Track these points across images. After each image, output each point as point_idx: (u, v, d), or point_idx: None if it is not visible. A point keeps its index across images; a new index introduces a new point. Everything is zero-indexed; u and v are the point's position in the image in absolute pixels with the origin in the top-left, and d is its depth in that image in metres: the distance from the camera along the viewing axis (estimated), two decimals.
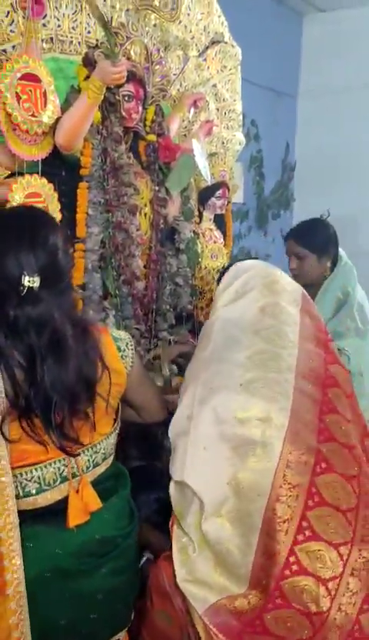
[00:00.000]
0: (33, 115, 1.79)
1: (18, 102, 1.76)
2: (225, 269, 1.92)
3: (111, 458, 1.56)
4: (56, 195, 1.91)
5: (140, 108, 2.11)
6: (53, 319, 1.35)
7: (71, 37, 2.08)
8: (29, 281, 1.32)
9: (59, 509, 1.42)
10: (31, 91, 1.79)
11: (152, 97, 2.19)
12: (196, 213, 2.55)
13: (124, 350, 1.56)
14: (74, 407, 1.39)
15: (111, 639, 1.51)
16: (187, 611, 1.46)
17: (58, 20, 2.03)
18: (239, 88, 2.78)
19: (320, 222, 2.66)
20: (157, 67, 2.16)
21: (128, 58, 2.00)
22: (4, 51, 1.92)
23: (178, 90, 2.49)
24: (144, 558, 1.67)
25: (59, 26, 2.04)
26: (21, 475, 1.38)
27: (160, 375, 2.05)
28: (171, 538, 1.54)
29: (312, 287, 2.50)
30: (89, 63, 1.98)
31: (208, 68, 2.60)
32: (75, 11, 2.06)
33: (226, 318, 1.75)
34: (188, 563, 1.48)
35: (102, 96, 1.88)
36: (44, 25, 1.97)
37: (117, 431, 1.57)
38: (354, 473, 1.55)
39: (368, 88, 4.67)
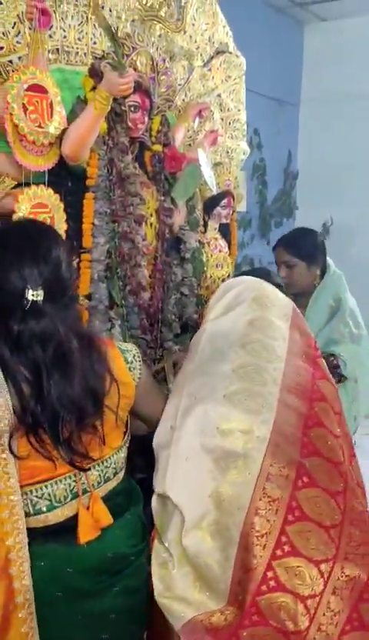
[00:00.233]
0: (39, 126, 1.79)
1: (25, 113, 1.76)
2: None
3: (122, 472, 1.55)
4: (62, 206, 1.90)
5: (146, 119, 2.11)
6: (58, 333, 1.34)
7: (77, 48, 2.08)
8: (33, 295, 1.31)
9: (70, 526, 1.40)
10: (37, 102, 1.79)
11: (158, 107, 2.19)
12: (201, 222, 2.55)
13: (132, 362, 1.55)
14: (81, 421, 1.37)
15: None
16: None
17: (64, 31, 2.04)
18: (243, 97, 2.79)
19: (308, 231, 2.72)
20: (163, 77, 2.16)
21: (134, 69, 2.00)
22: (11, 61, 1.92)
23: (183, 100, 2.49)
24: None
25: (65, 37, 2.04)
26: (31, 492, 1.37)
27: (166, 386, 2.04)
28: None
29: (303, 296, 2.53)
30: (95, 74, 1.98)
31: (213, 78, 2.60)
32: (81, 22, 2.07)
33: (214, 330, 1.76)
34: (167, 579, 1.45)
35: (109, 107, 1.88)
36: (50, 36, 1.97)
37: (127, 445, 1.56)
38: (340, 489, 1.53)
39: None
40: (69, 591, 1.37)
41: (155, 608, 1.50)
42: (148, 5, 2.18)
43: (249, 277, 1.98)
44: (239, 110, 2.78)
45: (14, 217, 1.77)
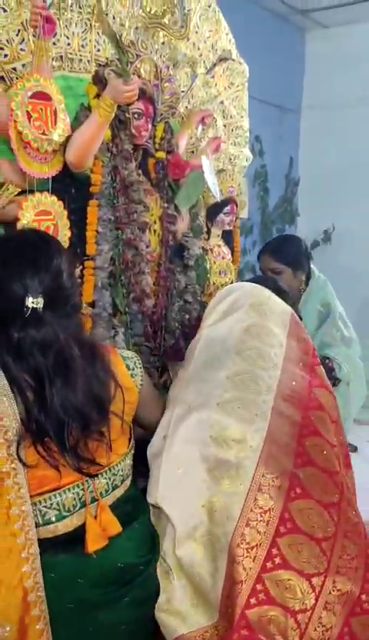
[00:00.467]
0: (43, 133, 1.78)
1: (29, 120, 1.75)
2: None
3: (129, 480, 1.54)
4: (66, 213, 1.90)
5: (149, 126, 2.11)
6: (58, 341, 1.34)
7: (81, 55, 2.08)
8: (33, 303, 1.32)
9: (79, 536, 1.40)
10: (41, 109, 1.78)
11: (161, 114, 2.19)
12: (204, 229, 2.54)
13: (134, 368, 1.56)
14: (87, 428, 1.37)
15: None
16: None
17: (68, 38, 2.04)
18: (246, 104, 2.79)
19: (292, 237, 2.79)
20: (167, 84, 2.16)
21: (138, 76, 2.01)
22: (15, 69, 1.92)
23: (186, 107, 2.50)
24: None
25: (69, 44, 2.04)
26: (40, 502, 1.36)
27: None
28: None
29: (290, 302, 2.53)
30: (99, 81, 1.98)
31: (216, 85, 2.61)
32: (85, 29, 2.07)
33: (210, 337, 1.75)
34: (169, 589, 1.44)
35: (113, 114, 1.88)
36: (54, 44, 1.97)
37: (132, 452, 1.55)
38: (334, 500, 1.50)
39: None
40: (80, 603, 1.36)
41: None
42: (152, 12, 2.18)
43: (247, 283, 1.96)
44: (242, 117, 2.78)
45: (19, 224, 1.77)
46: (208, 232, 2.60)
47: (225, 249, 2.67)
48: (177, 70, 2.37)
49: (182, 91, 2.43)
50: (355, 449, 3.76)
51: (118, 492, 1.49)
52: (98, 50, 2.11)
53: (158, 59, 2.14)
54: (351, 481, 1.64)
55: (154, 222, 2.18)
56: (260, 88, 3.15)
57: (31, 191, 1.82)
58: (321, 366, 1.80)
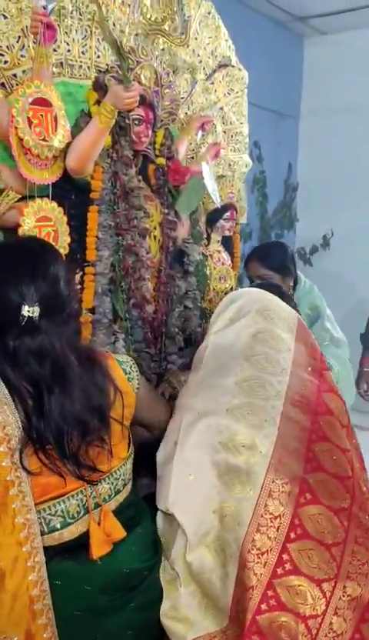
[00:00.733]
0: (44, 140, 1.78)
1: (30, 127, 1.75)
2: None
3: (130, 484, 1.54)
4: (65, 219, 1.90)
5: (149, 132, 2.11)
6: (53, 350, 1.34)
7: (81, 61, 2.08)
8: (29, 311, 1.32)
9: (84, 542, 1.39)
10: (42, 115, 1.78)
11: (161, 120, 2.19)
12: (204, 235, 2.54)
13: (130, 372, 1.57)
14: (86, 435, 1.37)
15: None
16: None
17: (68, 45, 2.04)
18: (245, 110, 2.80)
19: (278, 244, 2.87)
20: (167, 91, 2.16)
21: (139, 82, 2.01)
22: (15, 75, 1.92)
23: (186, 113, 2.50)
24: None
25: (69, 51, 2.05)
26: (44, 510, 1.35)
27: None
28: None
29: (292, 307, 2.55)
30: (99, 87, 1.98)
31: (216, 91, 2.61)
32: (85, 36, 2.07)
33: (217, 343, 1.74)
34: (174, 596, 1.43)
35: (114, 121, 1.88)
36: (54, 50, 1.97)
37: (132, 456, 1.55)
38: (345, 505, 1.49)
39: (368, 108, 4.71)
40: (87, 609, 1.36)
41: None
42: (152, 19, 2.19)
43: (253, 289, 1.96)
44: (241, 123, 2.79)
45: (20, 230, 1.76)
46: (208, 238, 2.60)
47: (225, 255, 2.67)
48: (177, 76, 2.38)
49: (182, 98, 2.44)
50: None
51: (121, 497, 1.49)
52: (98, 56, 2.11)
53: (158, 66, 2.14)
54: (366, 484, 1.62)
55: (155, 228, 2.18)
56: (259, 94, 3.16)
57: (32, 198, 1.82)
58: (330, 371, 1.79)
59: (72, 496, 1.39)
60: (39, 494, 1.33)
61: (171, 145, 2.28)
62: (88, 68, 2.10)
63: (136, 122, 2.05)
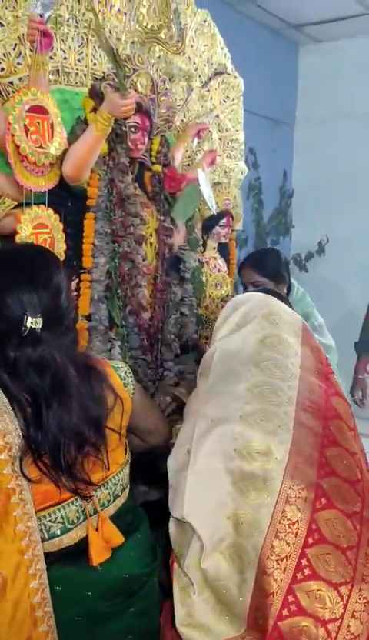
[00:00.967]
0: (40, 147, 1.79)
1: (26, 134, 1.76)
2: None
3: (128, 489, 1.54)
4: (61, 226, 1.90)
5: (146, 139, 2.11)
6: (54, 361, 1.33)
7: (77, 69, 2.09)
8: (32, 323, 1.30)
9: (84, 548, 1.39)
10: (38, 123, 1.79)
11: (158, 128, 2.19)
12: (200, 242, 2.55)
13: (125, 378, 1.56)
14: (82, 448, 1.36)
15: None
16: None
17: (65, 52, 2.05)
18: (241, 118, 2.81)
19: (272, 251, 2.85)
20: (163, 98, 2.16)
21: (135, 90, 2.01)
22: (11, 83, 1.93)
23: (182, 120, 2.51)
24: None
25: (65, 58, 2.05)
26: (45, 517, 1.34)
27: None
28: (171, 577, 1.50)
29: None
30: (96, 95, 1.99)
31: (211, 98, 2.62)
32: (81, 43, 2.08)
33: (225, 349, 1.73)
34: (189, 603, 1.42)
35: (110, 128, 1.88)
36: (50, 58, 1.98)
37: (130, 461, 1.55)
38: (356, 509, 1.50)
39: (363, 116, 4.74)
40: (88, 615, 1.35)
41: (166, 628, 1.49)
42: (148, 27, 2.20)
43: (256, 293, 1.95)
44: (237, 130, 2.80)
45: (17, 238, 1.76)
46: (204, 245, 2.61)
47: (221, 262, 2.68)
48: (174, 84, 2.39)
49: (178, 105, 2.45)
50: None
51: (119, 502, 1.49)
52: (95, 64, 2.12)
53: (155, 73, 2.15)
54: None
55: (151, 235, 2.18)
56: (254, 101, 3.17)
57: (28, 205, 1.82)
58: (334, 374, 1.80)
59: (72, 502, 1.38)
60: (40, 501, 1.33)
61: (167, 152, 2.28)
62: (85, 75, 2.11)
63: (132, 130, 2.05)
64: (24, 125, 1.75)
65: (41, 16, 1.73)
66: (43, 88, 1.81)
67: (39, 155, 1.78)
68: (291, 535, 1.41)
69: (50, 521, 1.35)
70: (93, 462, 1.40)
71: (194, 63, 2.50)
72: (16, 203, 1.88)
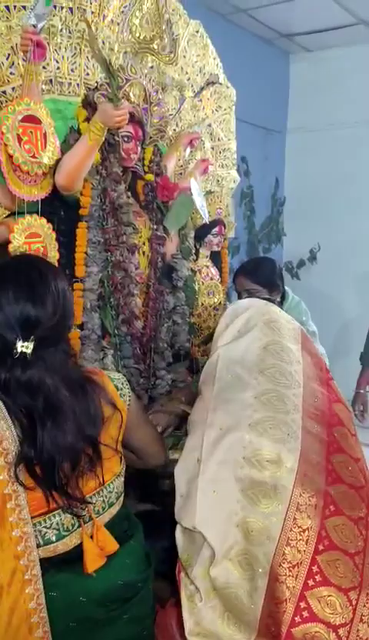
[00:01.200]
0: (33, 156, 1.79)
1: (19, 144, 1.76)
2: None
3: (122, 497, 1.54)
4: (54, 235, 1.90)
5: (138, 149, 2.12)
6: (44, 384, 1.31)
7: (70, 79, 2.10)
8: (23, 346, 1.29)
9: (79, 554, 1.38)
10: (31, 132, 1.79)
11: (150, 137, 2.20)
12: (193, 250, 2.55)
13: (122, 388, 1.55)
14: (77, 464, 1.36)
15: None
16: None
17: (58, 62, 2.06)
18: (233, 127, 2.82)
19: (266, 259, 2.89)
20: (156, 108, 2.17)
21: (128, 100, 2.02)
22: (4, 92, 1.93)
23: (174, 130, 2.52)
24: None
25: (58, 68, 2.06)
26: (40, 523, 1.34)
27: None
28: (177, 587, 1.50)
29: None
30: (89, 105, 1.99)
31: (204, 108, 2.64)
32: (74, 53, 2.09)
33: (228, 357, 1.73)
34: (195, 612, 1.44)
35: (103, 138, 1.89)
36: (43, 67, 1.99)
37: (124, 468, 1.55)
38: (362, 515, 1.52)
39: (354, 124, 4.78)
40: (83, 621, 1.35)
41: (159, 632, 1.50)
42: (141, 37, 2.21)
43: (256, 299, 1.95)
44: (229, 139, 2.82)
45: (10, 247, 1.76)
46: (197, 253, 2.61)
47: (213, 270, 2.68)
48: (166, 94, 2.40)
49: (171, 115, 2.46)
50: None
51: (114, 509, 1.49)
52: (88, 74, 2.13)
53: (147, 83, 2.16)
54: None
55: (143, 244, 2.18)
56: (246, 110, 3.19)
57: (21, 214, 1.82)
58: (334, 380, 1.81)
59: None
60: (35, 507, 1.32)
61: (160, 161, 2.29)
62: (78, 85, 2.12)
63: (125, 139, 2.06)
64: (18, 135, 1.75)
65: (34, 26, 1.73)
66: (36, 98, 1.81)
67: (32, 165, 1.78)
68: (302, 543, 1.43)
69: (45, 527, 1.35)
70: (87, 478, 1.39)
71: (187, 73, 2.51)
72: (9, 212, 1.88)
